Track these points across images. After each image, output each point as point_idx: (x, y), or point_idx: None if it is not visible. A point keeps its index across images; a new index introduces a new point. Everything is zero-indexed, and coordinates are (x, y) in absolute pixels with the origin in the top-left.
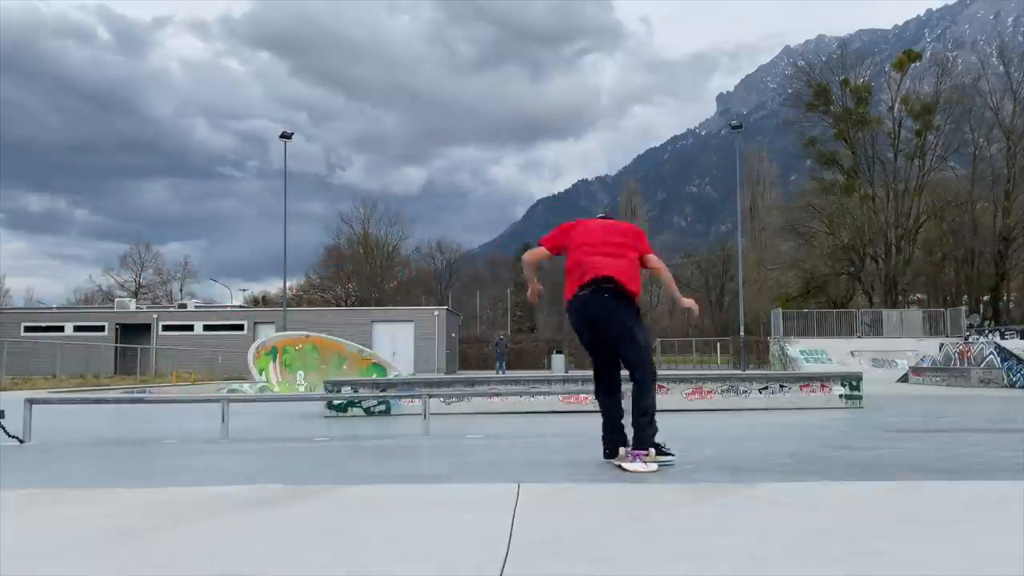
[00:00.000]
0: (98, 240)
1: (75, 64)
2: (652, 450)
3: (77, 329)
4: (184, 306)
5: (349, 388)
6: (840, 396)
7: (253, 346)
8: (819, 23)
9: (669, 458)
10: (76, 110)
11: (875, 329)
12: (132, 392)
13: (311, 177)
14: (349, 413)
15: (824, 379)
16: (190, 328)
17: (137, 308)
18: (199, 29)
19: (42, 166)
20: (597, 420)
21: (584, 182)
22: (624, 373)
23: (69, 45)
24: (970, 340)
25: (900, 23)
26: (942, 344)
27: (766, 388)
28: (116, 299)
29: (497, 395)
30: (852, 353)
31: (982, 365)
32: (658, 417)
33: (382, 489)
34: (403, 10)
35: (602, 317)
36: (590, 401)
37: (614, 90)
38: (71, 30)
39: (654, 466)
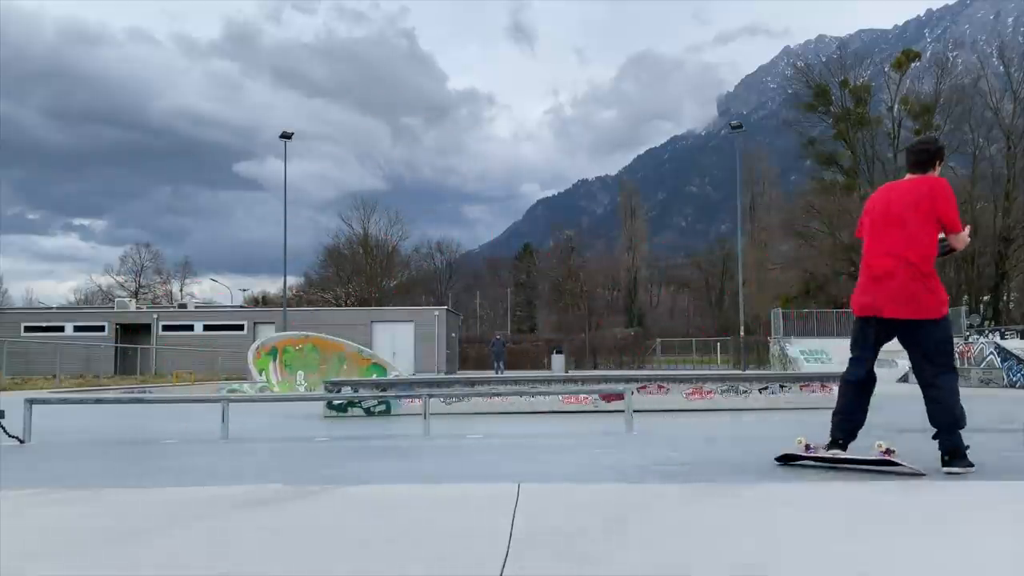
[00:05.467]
0: (100, 240)
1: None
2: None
3: (77, 329)
4: (184, 306)
5: (349, 388)
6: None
7: (253, 346)
8: (819, 23)
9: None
10: (81, 109)
11: None
12: (132, 392)
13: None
14: (349, 413)
15: (824, 379)
16: (190, 328)
17: (137, 308)
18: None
19: (45, 164)
20: (597, 420)
21: (584, 182)
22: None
23: (77, 48)
24: (970, 340)
25: (900, 23)
26: None
27: (766, 388)
28: (116, 299)
29: (497, 395)
30: None
31: (982, 365)
32: (659, 417)
33: (382, 489)
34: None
35: None
36: (590, 401)
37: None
38: (80, 34)
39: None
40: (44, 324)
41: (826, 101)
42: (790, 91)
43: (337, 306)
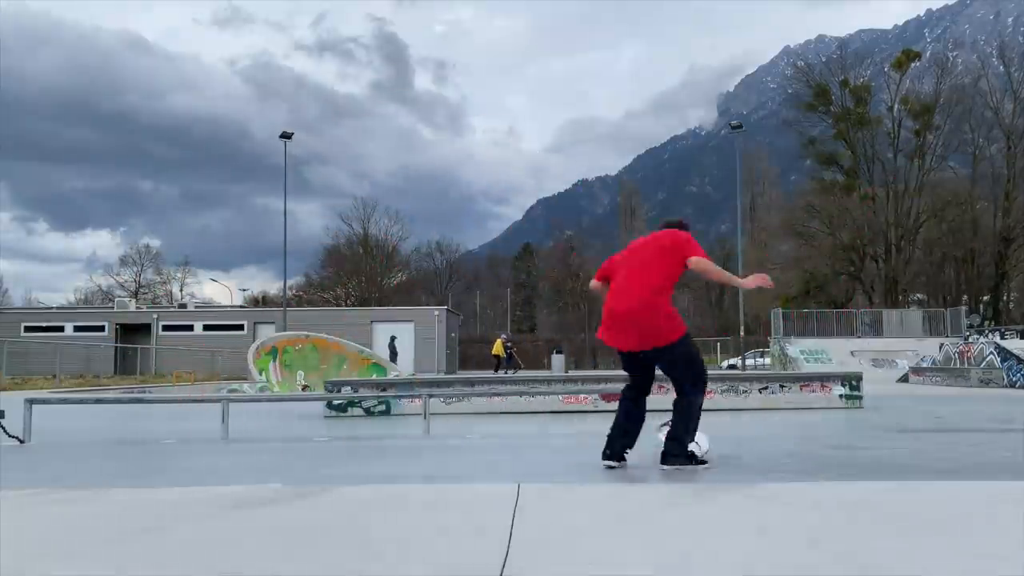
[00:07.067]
0: (101, 239)
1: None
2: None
3: (77, 329)
4: (184, 306)
5: (349, 388)
6: (840, 396)
7: (253, 346)
8: (819, 23)
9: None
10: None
11: (875, 329)
12: (132, 392)
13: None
14: (349, 413)
15: (824, 379)
16: (190, 328)
17: (137, 308)
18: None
19: (46, 161)
20: (597, 420)
21: (584, 182)
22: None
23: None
24: (970, 340)
25: (900, 23)
26: (942, 344)
27: (766, 388)
28: (116, 299)
29: (497, 395)
30: (852, 353)
31: (982, 365)
32: (659, 417)
33: (382, 489)
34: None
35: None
36: (590, 401)
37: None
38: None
39: None
40: (44, 324)
41: (826, 101)
42: (790, 91)
43: (337, 306)
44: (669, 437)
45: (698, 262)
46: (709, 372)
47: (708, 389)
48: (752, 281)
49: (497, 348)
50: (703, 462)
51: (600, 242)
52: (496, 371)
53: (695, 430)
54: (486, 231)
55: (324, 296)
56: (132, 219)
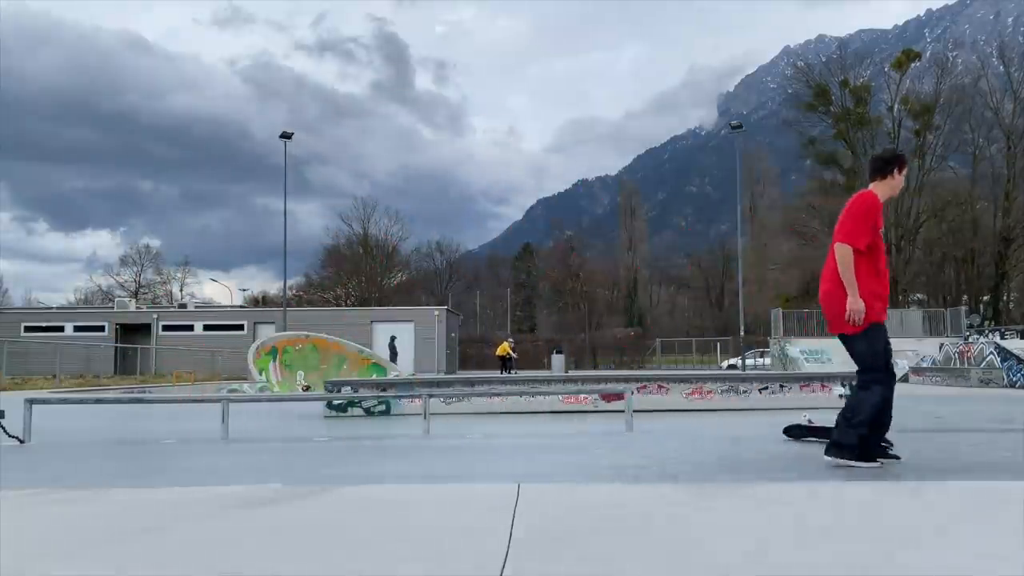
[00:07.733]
0: (102, 239)
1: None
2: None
3: (77, 329)
4: (184, 306)
5: (349, 388)
6: (840, 396)
7: (253, 346)
8: (819, 23)
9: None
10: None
11: None
12: (132, 392)
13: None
14: (349, 413)
15: (824, 379)
16: (190, 328)
17: (137, 308)
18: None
19: (46, 161)
20: (597, 420)
21: (584, 182)
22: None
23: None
24: (970, 340)
25: (900, 23)
26: (942, 344)
27: (766, 388)
28: (116, 299)
29: (497, 395)
30: None
31: (982, 365)
32: (659, 417)
33: (382, 489)
34: None
35: None
36: (590, 401)
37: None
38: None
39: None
40: (44, 324)
41: (826, 101)
42: (790, 91)
43: (337, 306)
44: (835, 424)
45: (837, 248)
46: (708, 373)
47: (708, 389)
48: (854, 307)
49: (502, 349)
50: (872, 461)
51: (600, 242)
52: (502, 372)
53: (862, 424)
54: (486, 231)
55: (324, 296)
56: (132, 219)
